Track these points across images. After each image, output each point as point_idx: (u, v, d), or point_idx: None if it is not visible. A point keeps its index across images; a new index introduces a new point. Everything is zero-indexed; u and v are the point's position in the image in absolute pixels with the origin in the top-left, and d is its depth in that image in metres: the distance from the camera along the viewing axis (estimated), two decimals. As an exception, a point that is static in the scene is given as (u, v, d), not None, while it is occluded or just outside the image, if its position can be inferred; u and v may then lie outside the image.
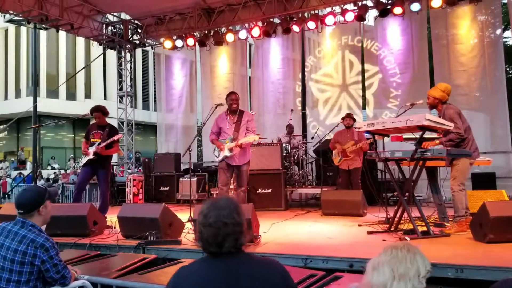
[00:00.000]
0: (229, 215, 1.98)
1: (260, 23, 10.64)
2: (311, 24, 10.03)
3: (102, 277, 3.62)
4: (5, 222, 3.00)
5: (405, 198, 5.21)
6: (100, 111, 6.88)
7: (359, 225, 5.98)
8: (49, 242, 2.91)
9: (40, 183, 16.89)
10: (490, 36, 9.54)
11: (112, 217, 6.19)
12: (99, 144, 6.61)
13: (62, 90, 24.24)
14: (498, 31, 9.67)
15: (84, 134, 7.22)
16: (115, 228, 5.81)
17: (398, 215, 5.35)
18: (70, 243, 5.16)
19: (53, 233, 3.12)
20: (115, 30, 12.35)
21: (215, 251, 1.97)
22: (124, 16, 12.58)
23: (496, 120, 9.14)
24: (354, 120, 8.26)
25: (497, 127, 9.13)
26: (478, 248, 4.33)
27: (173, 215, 5.30)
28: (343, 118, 8.25)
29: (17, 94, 25.22)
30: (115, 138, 6.68)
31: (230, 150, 6.38)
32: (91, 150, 6.62)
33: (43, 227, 3.07)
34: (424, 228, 5.01)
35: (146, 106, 27.96)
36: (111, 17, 12.26)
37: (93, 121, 7.14)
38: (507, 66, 10.11)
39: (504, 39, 11.22)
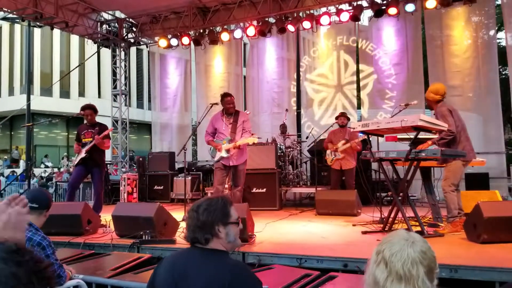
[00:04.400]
0: (197, 209, 2.14)
1: (255, 23, 10.64)
2: (306, 24, 10.04)
3: (97, 277, 3.61)
4: None
5: (399, 198, 5.24)
6: (92, 108, 6.84)
7: (354, 225, 6.00)
8: (45, 241, 2.91)
9: (34, 181, 16.81)
10: (484, 37, 9.59)
11: (106, 216, 6.18)
12: (91, 142, 6.58)
13: (56, 88, 24.12)
14: (492, 32, 9.72)
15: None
16: (109, 227, 5.80)
17: (392, 215, 5.38)
18: (64, 242, 5.15)
19: (47, 232, 3.11)
20: (109, 29, 12.30)
21: (189, 238, 2.12)
22: (119, 14, 12.55)
23: (490, 120, 9.18)
24: (348, 119, 8.28)
25: (490, 128, 9.18)
26: (472, 248, 4.36)
27: (167, 214, 5.30)
28: (337, 117, 8.27)
29: (11, 92, 25.06)
30: (107, 132, 6.67)
31: (227, 151, 6.38)
32: (84, 149, 6.60)
33: None
34: (418, 228, 5.04)
35: (140, 105, 27.87)
36: (106, 16, 12.21)
37: (84, 121, 7.08)
38: (500, 67, 10.14)
39: (498, 40, 11.26)
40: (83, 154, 6.58)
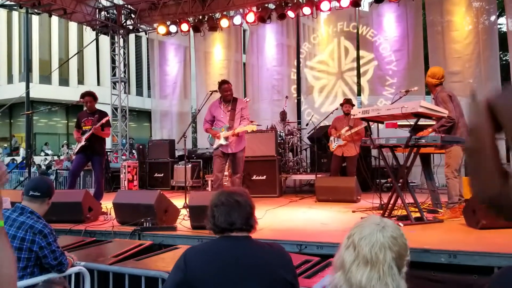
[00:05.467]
0: (240, 195, 2.11)
1: (254, 9, 10.54)
2: (306, 10, 9.96)
3: (99, 264, 3.63)
4: (3, 209, 3.00)
5: (399, 184, 5.25)
6: (91, 95, 6.82)
7: (353, 211, 6.02)
8: (47, 229, 2.92)
9: (34, 169, 16.83)
10: (485, 23, 9.53)
11: (107, 204, 6.21)
12: (90, 130, 6.57)
13: (55, 75, 24.05)
14: (493, 18, 9.66)
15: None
16: (110, 214, 5.82)
17: (392, 201, 5.39)
18: (65, 230, 5.17)
19: (48, 220, 3.13)
20: (108, 15, 12.21)
21: (226, 228, 2.06)
22: (117, 1, 12.42)
23: (490, 107, 9.16)
24: (353, 105, 8.23)
25: (490, 114, 9.15)
26: (471, 234, 4.38)
27: (168, 201, 5.32)
28: (341, 104, 8.21)
29: (9, 80, 24.99)
30: (104, 120, 6.65)
31: (226, 138, 6.39)
32: (84, 137, 6.60)
33: None
34: (418, 214, 5.06)
35: (139, 92, 27.80)
36: (104, 2, 12.11)
37: (84, 108, 7.07)
38: (500, 52, 10.10)
39: (498, 26, 11.20)
40: (83, 142, 6.59)
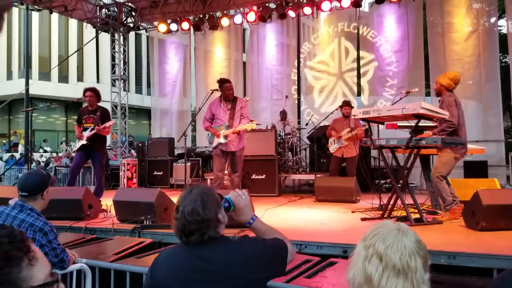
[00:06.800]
0: (192, 212, 1.94)
1: (255, 8, 10.55)
2: (307, 10, 9.98)
3: (100, 261, 3.64)
4: (2, 206, 3.00)
5: (399, 185, 5.26)
6: (93, 91, 6.82)
7: (353, 212, 6.03)
8: (47, 226, 2.91)
9: (32, 166, 16.81)
10: (485, 24, 9.54)
11: (106, 201, 6.21)
12: (93, 129, 6.56)
13: (55, 72, 24.02)
14: (493, 20, 9.67)
15: (76, 117, 7.14)
16: (110, 212, 5.83)
17: (391, 202, 5.41)
18: (65, 227, 5.17)
19: (48, 217, 3.09)
20: (109, 13, 12.20)
21: (185, 241, 1.98)
22: (118, -2, 12.44)
23: (489, 108, 9.19)
24: (352, 107, 8.20)
25: (489, 116, 9.18)
26: (471, 235, 4.40)
27: (168, 199, 5.33)
28: (340, 107, 8.17)
29: (9, 76, 24.95)
30: (108, 125, 6.65)
31: (225, 137, 6.40)
32: (86, 134, 6.59)
33: None
34: (417, 215, 5.07)
35: (139, 90, 27.78)
36: (105, 0, 12.11)
37: (85, 104, 7.06)
38: (500, 54, 10.11)
39: (499, 28, 11.21)
40: (84, 142, 6.58)
